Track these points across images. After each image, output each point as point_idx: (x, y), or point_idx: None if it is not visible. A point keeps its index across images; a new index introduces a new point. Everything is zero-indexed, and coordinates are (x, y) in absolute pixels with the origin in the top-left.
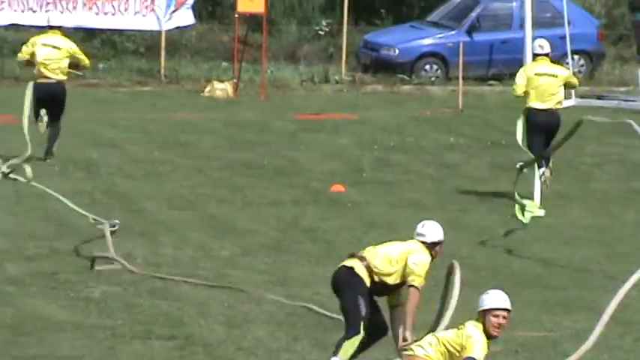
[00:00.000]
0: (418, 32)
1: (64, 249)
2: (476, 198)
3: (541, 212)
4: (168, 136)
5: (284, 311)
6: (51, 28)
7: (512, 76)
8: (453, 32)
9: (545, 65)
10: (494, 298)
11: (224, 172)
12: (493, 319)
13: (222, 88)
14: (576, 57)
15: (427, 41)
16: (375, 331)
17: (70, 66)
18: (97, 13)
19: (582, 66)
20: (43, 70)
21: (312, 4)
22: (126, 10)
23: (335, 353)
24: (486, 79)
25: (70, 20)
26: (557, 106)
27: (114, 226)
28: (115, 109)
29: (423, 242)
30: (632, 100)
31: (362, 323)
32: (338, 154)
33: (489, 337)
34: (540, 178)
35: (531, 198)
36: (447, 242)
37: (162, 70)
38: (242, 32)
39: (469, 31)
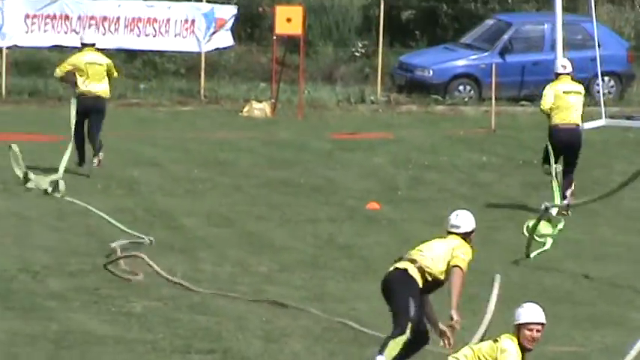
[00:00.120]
0: (452, 54)
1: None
2: (507, 215)
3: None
4: (207, 154)
5: (320, 326)
6: (85, 45)
7: None
8: (485, 54)
9: (570, 84)
10: (529, 313)
11: (262, 190)
12: (527, 333)
13: (260, 108)
14: (606, 78)
15: (460, 62)
16: (417, 338)
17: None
18: (138, 35)
19: (612, 87)
20: (85, 84)
21: (348, 26)
22: (167, 32)
23: (381, 352)
24: (518, 100)
25: (113, 42)
26: (580, 123)
27: (150, 243)
28: (156, 128)
29: (458, 234)
30: None
31: (409, 324)
32: (373, 173)
33: (524, 350)
34: (556, 176)
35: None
36: (479, 259)
37: (202, 91)
38: (280, 54)
39: (501, 53)
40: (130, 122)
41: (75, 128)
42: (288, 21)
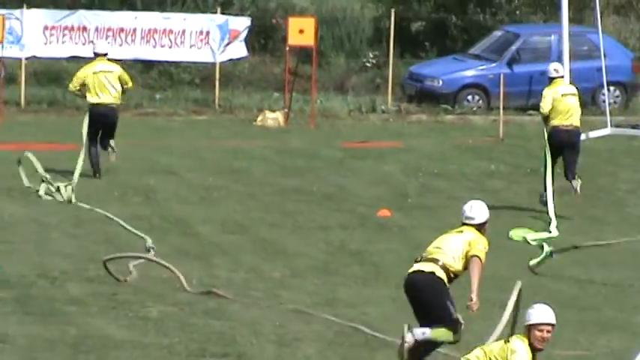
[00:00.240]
0: (461, 64)
1: (122, 270)
2: (515, 222)
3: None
4: (222, 163)
5: (333, 330)
6: (97, 55)
7: None
8: (494, 64)
9: (565, 86)
10: (540, 313)
11: (275, 198)
12: (538, 334)
13: (273, 118)
14: (612, 88)
15: (469, 73)
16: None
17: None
18: (154, 46)
19: (617, 97)
20: (97, 94)
21: (359, 37)
22: (182, 43)
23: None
24: (526, 109)
25: (129, 53)
26: (578, 124)
27: (149, 250)
28: (172, 137)
29: (473, 225)
30: None
31: (460, 326)
32: (384, 181)
33: (534, 350)
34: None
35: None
36: (489, 264)
37: (217, 100)
38: (293, 64)
39: (509, 63)
40: (147, 131)
41: (89, 139)
42: (301, 32)
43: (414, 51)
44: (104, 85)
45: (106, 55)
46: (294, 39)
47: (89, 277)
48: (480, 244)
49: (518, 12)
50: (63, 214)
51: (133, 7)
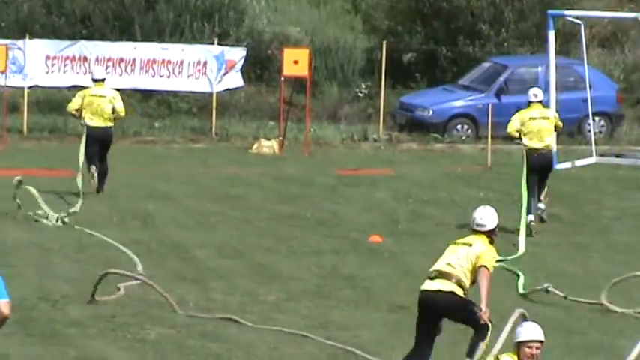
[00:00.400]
0: (450, 95)
1: (109, 291)
2: (502, 248)
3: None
4: (218, 189)
5: (326, 353)
6: (96, 81)
7: None
8: (482, 95)
9: (537, 110)
10: (528, 331)
11: (270, 224)
12: (527, 350)
13: (268, 146)
14: (597, 118)
15: (458, 103)
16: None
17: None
18: (153, 76)
19: (602, 127)
20: (92, 117)
21: (352, 68)
22: (180, 73)
23: (469, 355)
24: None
25: (129, 82)
26: (550, 147)
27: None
28: (170, 164)
29: (483, 232)
30: None
31: (489, 325)
32: (376, 207)
33: None
34: (529, 224)
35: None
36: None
37: (214, 129)
38: (287, 94)
39: (497, 94)
40: (145, 159)
41: (87, 159)
42: (295, 63)
43: (405, 81)
44: (99, 108)
45: (103, 80)
46: (289, 69)
47: (89, 299)
48: (488, 255)
49: (506, 44)
50: (65, 239)
51: (132, 38)
